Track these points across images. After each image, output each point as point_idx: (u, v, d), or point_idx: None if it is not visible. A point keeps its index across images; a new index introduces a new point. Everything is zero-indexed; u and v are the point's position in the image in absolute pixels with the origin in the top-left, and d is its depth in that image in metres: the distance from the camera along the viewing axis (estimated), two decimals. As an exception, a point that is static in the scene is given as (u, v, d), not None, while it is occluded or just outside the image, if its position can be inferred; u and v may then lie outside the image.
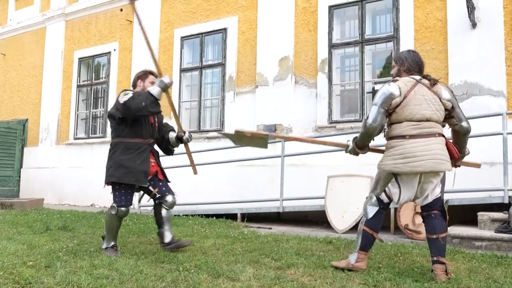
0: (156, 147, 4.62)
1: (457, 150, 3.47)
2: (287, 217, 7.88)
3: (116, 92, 11.02)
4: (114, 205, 4.22)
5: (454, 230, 5.19)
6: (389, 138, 3.47)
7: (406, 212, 5.74)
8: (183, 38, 10.06)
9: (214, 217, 7.36)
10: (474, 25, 6.84)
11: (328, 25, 8.20)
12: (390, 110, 3.40)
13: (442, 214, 3.48)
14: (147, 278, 3.27)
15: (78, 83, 11.92)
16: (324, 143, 4.07)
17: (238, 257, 4.08)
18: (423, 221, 3.58)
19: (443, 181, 3.53)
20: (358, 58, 8.01)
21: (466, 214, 6.06)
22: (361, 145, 3.65)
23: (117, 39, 11.26)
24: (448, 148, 3.40)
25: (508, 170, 5.59)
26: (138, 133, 4.26)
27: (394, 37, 7.58)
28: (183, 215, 7.87)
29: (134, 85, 4.48)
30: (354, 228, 6.19)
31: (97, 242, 4.80)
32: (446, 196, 5.80)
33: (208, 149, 8.35)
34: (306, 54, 8.40)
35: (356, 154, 3.74)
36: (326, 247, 4.72)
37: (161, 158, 4.64)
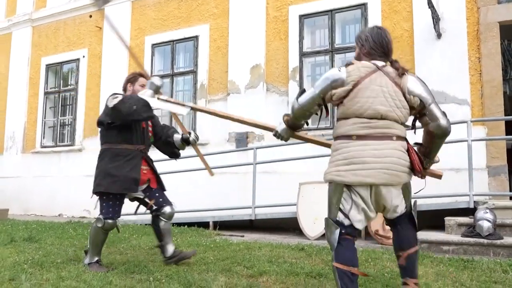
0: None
1: (419, 162, 2.75)
2: (260, 225, 7.88)
3: (86, 99, 10.83)
4: (101, 217, 3.93)
5: (422, 235, 5.30)
6: (334, 138, 2.78)
7: (376, 218, 5.81)
8: (154, 46, 9.99)
9: (186, 226, 7.28)
10: (439, 35, 7.05)
11: (298, 34, 8.30)
12: (335, 101, 2.72)
13: (411, 223, 2.90)
14: (116, 289, 3.21)
15: (46, 90, 11.63)
16: (253, 123, 3.53)
17: (210, 266, 4.05)
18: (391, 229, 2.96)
19: (407, 192, 2.79)
20: (328, 67, 8.12)
21: (434, 219, 6.20)
22: (292, 123, 3.01)
23: (86, 46, 11.07)
24: (409, 158, 2.72)
25: (473, 176, 5.77)
26: (127, 139, 4.00)
27: (363, 46, 7.71)
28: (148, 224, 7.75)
29: (125, 89, 4.26)
30: (325, 235, 6.25)
31: (64, 253, 4.69)
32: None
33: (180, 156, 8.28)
34: (278, 62, 8.47)
35: (285, 135, 3.07)
36: (298, 254, 4.74)
37: None
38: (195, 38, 9.40)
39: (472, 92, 6.86)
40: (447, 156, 6.33)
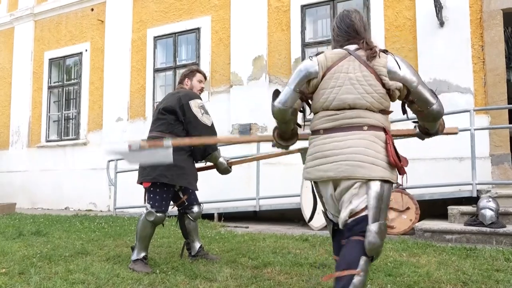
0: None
1: (395, 155, 2.33)
2: (264, 216, 7.93)
3: (89, 93, 10.86)
4: (153, 210, 3.74)
5: (425, 224, 5.35)
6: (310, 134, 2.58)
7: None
8: (156, 38, 9.99)
9: (191, 218, 7.34)
10: (442, 24, 7.02)
11: (300, 24, 8.27)
12: (308, 95, 2.52)
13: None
14: (124, 282, 3.27)
15: (49, 85, 11.68)
16: (253, 140, 3.29)
17: (215, 257, 4.11)
18: (337, 236, 2.58)
19: (376, 195, 2.29)
20: (330, 57, 8.10)
21: (437, 208, 6.24)
22: (281, 134, 2.78)
23: (88, 39, 11.09)
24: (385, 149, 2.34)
25: (476, 165, 5.78)
26: (189, 134, 3.86)
27: (365, 36, 7.70)
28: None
29: (181, 82, 4.17)
30: (329, 225, 6.30)
31: (72, 246, 4.76)
32: (417, 191, 5.98)
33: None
34: (280, 54, 8.46)
35: (283, 147, 2.91)
36: (302, 245, 4.79)
37: None
38: (197, 30, 9.39)
39: (475, 81, 6.85)
40: (450, 144, 6.42)
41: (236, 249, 4.54)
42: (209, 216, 7.47)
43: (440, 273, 3.40)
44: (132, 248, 3.90)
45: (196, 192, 4.13)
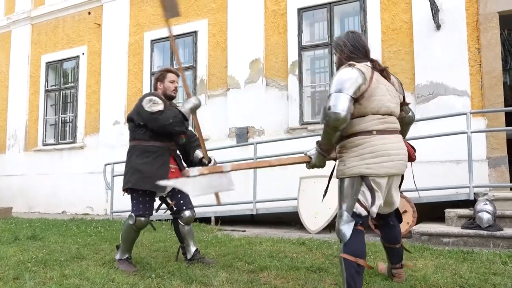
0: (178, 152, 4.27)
1: (413, 151, 3.11)
2: (261, 219, 7.92)
3: (86, 96, 10.85)
4: (132, 214, 3.87)
5: (422, 227, 5.33)
6: (350, 134, 2.83)
7: (376, 211, 5.85)
8: (153, 42, 9.99)
9: (188, 221, 7.32)
10: (438, 27, 7.03)
11: (297, 27, 8.28)
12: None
13: (398, 219, 3.28)
14: (119, 287, 3.25)
15: (46, 88, 11.66)
16: (289, 161, 3.30)
17: (212, 262, 4.09)
18: (379, 229, 3.36)
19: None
20: (327, 60, 8.12)
21: (434, 211, 6.22)
22: (328, 147, 2.95)
23: (85, 43, 11.08)
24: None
25: (473, 168, 5.78)
26: (157, 136, 3.94)
27: (362, 39, 7.70)
28: (156, 220, 7.79)
29: (155, 88, 4.20)
30: (326, 229, 6.30)
31: (67, 251, 4.72)
32: (414, 194, 5.96)
33: (181, 153, 8.34)
34: (277, 57, 8.46)
35: (323, 164, 3.07)
36: (299, 249, 4.78)
37: None
38: (194, 33, 9.39)
39: (472, 83, 6.85)
40: (447, 147, 6.42)
41: (233, 253, 4.51)
42: (206, 220, 7.45)
43: (437, 277, 3.39)
44: (117, 247, 4.03)
45: (192, 196, 4.07)
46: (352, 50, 2.93)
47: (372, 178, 2.76)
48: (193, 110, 3.99)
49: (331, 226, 6.35)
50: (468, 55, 6.89)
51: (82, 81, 10.99)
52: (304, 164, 3.19)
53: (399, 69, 7.26)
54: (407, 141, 3.12)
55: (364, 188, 2.77)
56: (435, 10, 6.90)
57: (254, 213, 7.30)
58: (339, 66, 2.99)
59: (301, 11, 8.30)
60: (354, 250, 2.70)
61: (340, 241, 2.81)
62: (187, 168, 3.01)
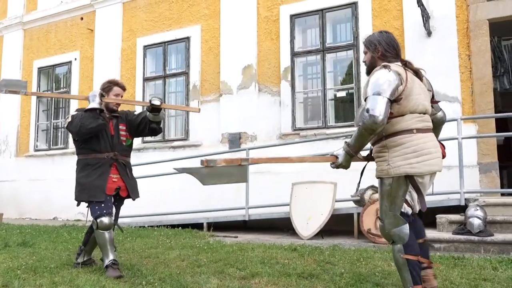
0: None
1: (443, 148, 3.04)
2: (254, 225, 7.91)
3: (78, 102, 10.79)
4: (93, 219, 3.98)
5: (414, 233, 5.34)
6: (390, 134, 2.84)
7: (368, 217, 5.87)
8: (146, 47, 9.98)
9: (180, 227, 7.30)
10: (429, 33, 7.09)
11: (290, 33, 8.32)
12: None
13: (419, 213, 3.11)
14: (109, 294, 3.22)
15: (38, 93, 11.60)
16: (313, 160, 3.44)
17: (203, 268, 4.08)
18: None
19: None
20: (319, 66, 8.16)
21: (425, 216, 6.23)
22: (357, 149, 2.98)
23: (78, 48, 11.05)
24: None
25: (464, 174, 5.82)
26: (95, 148, 4.09)
27: (354, 45, 7.76)
28: (148, 226, 7.77)
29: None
30: (318, 234, 6.30)
31: (58, 258, 4.69)
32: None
33: (173, 158, 8.31)
34: (269, 63, 8.49)
35: (348, 164, 3.05)
36: (291, 255, 4.77)
37: None
38: (187, 39, 9.40)
39: (462, 90, 6.91)
40: (438, 153, 6.44)
41: (224, 259, 4.50)
42: (198, 226, 7.43)
43: (428, 283, 3.39)
44: (102, 260, 4.06)
45: (136, 199, 4.26)
46: (387, 48, 2.96)
47: (416, 177, 2.80)
48: (99, 98, 4.03)
49: (323, 232, 6.36)
50: (458, 61, 6.96)
51: (75, 86, 10.94)
52: (304, 167, 3.24)
53: (391, 75, 7.31)
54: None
55: (410, 188, 2.86)
56: (426, 17, 6.96)
57: (247, 219, 7.28)
58: (370, 64, 3.04)
59: (293, 17, 8.34)
60: (414, 249, 2.84)
61: (394, 242, 2.88)
62: (206, 158, 3.00)
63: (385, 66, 2.83)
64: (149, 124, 4.19)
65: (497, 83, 7.79)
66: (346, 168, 3.07)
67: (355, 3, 7.78)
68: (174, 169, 3.45)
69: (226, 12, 8.97)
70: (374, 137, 2.89)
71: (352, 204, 6.46)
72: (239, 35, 8.75)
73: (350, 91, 7.95)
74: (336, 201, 6.41)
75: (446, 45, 7.02)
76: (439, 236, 5.11)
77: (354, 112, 7.62)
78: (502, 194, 6.49)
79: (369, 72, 3.02)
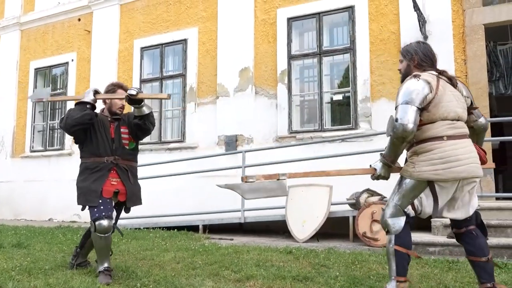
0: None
1: (484, 154, 3.07)
2: (249, 228, 7.91)
3: (75, 103, 10.76)
4: (91, 221, 3.87)
5: (409, 236, 5.35)
6: (420, 140, 2.92)
7: (364, 220, 5.89)
8: (143, 49, 9.98)
9: (176, 230, 7.30)
10: (425, 37, 7.12)
11: (287, 36, 8.34)
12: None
13: (482, 230, 3.04)
14: (103, 296, 3.22)
15: (34, 94, 11.56)
16: (351, 173, 3.42)
17: (198, 271, 4.07)
18: (461, 240, 3.09)
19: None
20: (316, 69, 8.18)
21: (420, 220, 6.25)
22: (393, 159, 3.03)
23: (75, 49, 11.04)
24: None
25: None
26: (94, 152, 4.03)
27: (351, 49, 7.79)
28: (144, 228, 7.77)
29: (105, 102, 4.27)
30: (313, 237, 6.30)
31: (53, 259, 4.68)
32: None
33: (169, 160, 8.32)
34: (266, 65, 8.51)
35: (388, 174, 3.09)
36: (286, 257, 4.77)
37: None
38: (184, 41, 9.41)
39: (458, 94, 6.93)
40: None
41: (220, 261, 4.50)
42: (194, 228, 7.43)
43: (422, 286, 3.42)
44: (97, 262, 3.99)
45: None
46: (423, 58, 3.05)
47: (438, 184, 2.86)
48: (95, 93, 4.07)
49: (319, 235, 6.37)
50: (454, 66, 6.99)
51: (71, 87, 10.93)
52: (289, 170, 3.25)
53: (387, 79, 7.36)
54: (476, 145, 3.08)
55: (424, 194, 2.93)
56: (422, 21, 7.00)
57: (243, 221, 7.29)
58: (405, 73, 3.12)
59: (290, 20, 8.37)
60: (405, 242, 2.94)
61: (388, 232, 2.99)
62: (246, 175, 3.05)
63: (415, 76, 2.94)
64: (137, 123, 4.05)
65: (493, 88, 7.84)
66: (386, 179, 3.13)
67: (352, 7, 7.81)
68: (217, 185, 3.49)
69: (224, 14, 8.99)
70: (406, 145, 2.97)
71: (347, 207, 6.48)
72: (236, 38, 8.77)
73: (346, 94, 7.98)
74: (331, 204, 6.43)
75: (442, 49, 7.04)
76: (434, 240, 5.12)
77: (351, 116, 7.65)
78: (497, 199, 6.52)
79: (403, 80, 3.10)
